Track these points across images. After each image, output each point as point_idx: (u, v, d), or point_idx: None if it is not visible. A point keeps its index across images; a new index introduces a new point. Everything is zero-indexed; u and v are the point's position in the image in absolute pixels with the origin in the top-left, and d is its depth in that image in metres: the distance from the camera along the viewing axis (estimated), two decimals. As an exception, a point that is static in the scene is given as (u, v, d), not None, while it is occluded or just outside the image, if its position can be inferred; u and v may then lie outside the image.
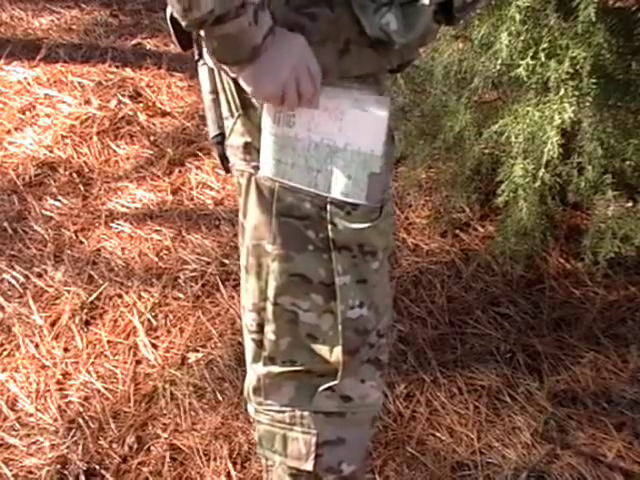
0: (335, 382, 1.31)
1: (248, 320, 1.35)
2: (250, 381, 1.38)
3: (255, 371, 1.36)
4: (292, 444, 1.35)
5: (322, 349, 1.28)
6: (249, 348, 1.38)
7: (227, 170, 1.28)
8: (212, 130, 1.26)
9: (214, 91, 1.24)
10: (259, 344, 1.34)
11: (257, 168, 1.20)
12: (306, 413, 1.33)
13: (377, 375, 1.34)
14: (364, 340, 1.28)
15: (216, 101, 1.24)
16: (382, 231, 1.23)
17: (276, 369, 1.32)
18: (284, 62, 1.08)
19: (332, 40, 1.10)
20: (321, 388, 1.32)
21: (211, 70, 1.23)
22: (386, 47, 1.13)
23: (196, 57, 1.24)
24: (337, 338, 1.26)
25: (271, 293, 1.25)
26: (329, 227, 1.18)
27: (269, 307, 1.27)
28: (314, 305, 1.25)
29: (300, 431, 1.34)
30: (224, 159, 1.27)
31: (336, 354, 1.28)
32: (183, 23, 1.02)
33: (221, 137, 1.25)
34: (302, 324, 1.27)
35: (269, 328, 1.29)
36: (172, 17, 1.15)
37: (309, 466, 1.35)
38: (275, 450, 1.37)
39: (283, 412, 1.35)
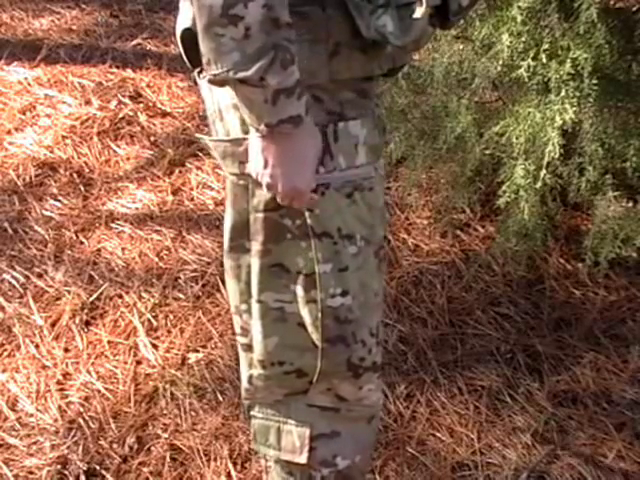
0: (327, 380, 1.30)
1: (234, 323, 1.35)
2: (243, 384, 1.39)
3: (246, 375, 1.36)
4: (286, 437, 1.35)
5: (312, 336, 1.27)
6: (240, 352, 1.39)
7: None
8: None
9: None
10: (246, 348, 1.35)
11: (232, 173, 1.21)
12: (300, 406, 1.33)
13: (374, 377, 1.34)
14: (345, 330, 1.26)
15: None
16: (359, 217, 1.21)
17: (266, 372, 1.32)
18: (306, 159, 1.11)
19: (322, 41, 1.09)
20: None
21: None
22: (377, 51, 1.12)
23: (196, 71, 1.22)
24: (318, 327, 1.25)
25: (254, 290, 1.25)
26: (306, 214, 1.18)
27: (254, 305, 1.27)
28: (296, 297, 1.24)
29: (294, 424, 1.34)
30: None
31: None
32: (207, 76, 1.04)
33: None
34: (290, 315, 1.26)
35: (255, 327, 1.29)
36: (182, 37, 1.15)
37: (303, 459, 1.35)
38: (270, 444, 1.37)
39: (277, 406, 1.35)
